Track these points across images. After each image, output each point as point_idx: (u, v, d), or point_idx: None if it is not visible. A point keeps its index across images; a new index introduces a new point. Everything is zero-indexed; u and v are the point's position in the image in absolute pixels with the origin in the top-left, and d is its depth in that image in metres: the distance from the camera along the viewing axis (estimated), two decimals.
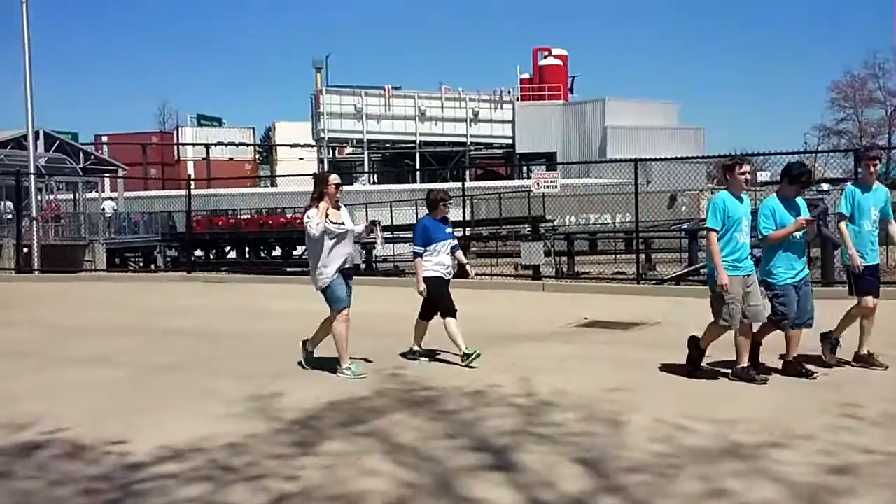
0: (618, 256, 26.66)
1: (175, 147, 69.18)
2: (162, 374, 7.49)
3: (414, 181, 52.34)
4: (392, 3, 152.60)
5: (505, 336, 9.26)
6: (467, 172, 50.93)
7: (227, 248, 37.48)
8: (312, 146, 63.36)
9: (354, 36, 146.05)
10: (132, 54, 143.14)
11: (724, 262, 6.40)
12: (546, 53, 62.13)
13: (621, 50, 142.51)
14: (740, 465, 4.53)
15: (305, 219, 7.07)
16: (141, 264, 34.22)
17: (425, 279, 7.63)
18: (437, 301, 7.65)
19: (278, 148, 73.18)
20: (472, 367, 7.26)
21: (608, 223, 36.91)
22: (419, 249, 7.69)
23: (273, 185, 61.63)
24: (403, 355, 7.93)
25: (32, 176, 23.35)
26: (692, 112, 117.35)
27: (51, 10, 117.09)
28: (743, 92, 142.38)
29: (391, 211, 32.74)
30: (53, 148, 37.36)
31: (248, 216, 38.08)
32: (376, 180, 57.96)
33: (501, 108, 60.09)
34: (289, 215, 36.93)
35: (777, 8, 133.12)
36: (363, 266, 27.42)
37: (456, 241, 8.04)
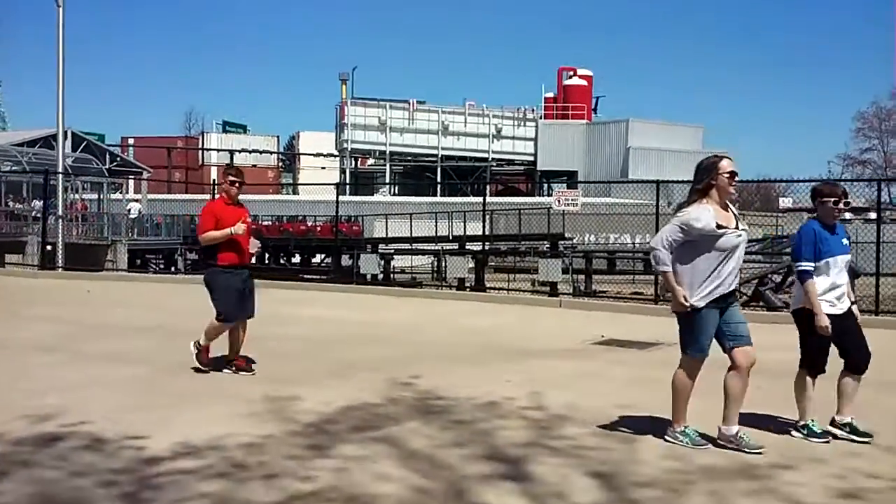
0: (636, 277, 26.59)
1: (200, 152, 69.83)
2: (181, 372, 7.59)
3: (434, 194, 52.52)
4: (419, 18, 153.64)
5: (520, 351, 9.30)
6: (488, 187, 51.03)
7: None
8: (335, 156, 63.81)
9: (381, 49, 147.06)
10: (161, 59, 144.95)
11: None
12: (571, 73, 62.31)
13: (646, 73, 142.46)
14: (752, 484, 4.55)
15: (678, 215, 5.10)
16: (162, 266, 34.54)
17: (817, 319, 5.32)
18: (847, 346, 5.47)
19: (301, 157, 73.72)
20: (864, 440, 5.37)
21: (627, 243, 36.85)
22: (808, 265, 5.37)
23: (295, 192, 62.09)
24: (796, 429, 5.58)
25: (60, 175, 23.70)
26: (716, 136, 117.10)
27: (83, 10, 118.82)
28: (767, 118, 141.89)
29: (411, 223, 32.89)
30: (80, 148, 37.91)
31: (269, 223, 38.37)
32: (397, 192, 58.21)
33: (525, 125, 60.26)
34: (309, 223, 37.22)
35: (804, 34, 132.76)
36: (381, 276, 27.60)
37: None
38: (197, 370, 7.54)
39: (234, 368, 7.61)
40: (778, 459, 5.01)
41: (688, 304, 5.03)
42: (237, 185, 7.42)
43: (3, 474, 4.52)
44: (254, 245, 7.51)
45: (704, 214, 4.97)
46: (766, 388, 7.09)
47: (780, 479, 4.65)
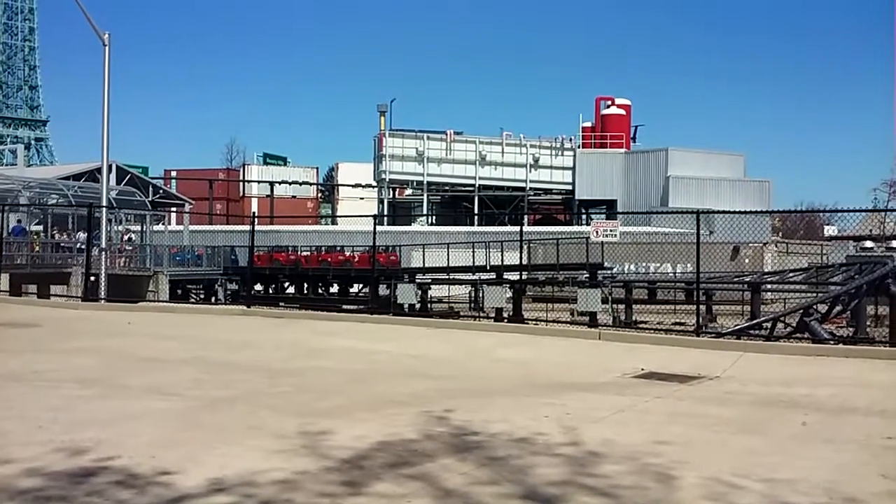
0: (677, 307, 26.21)
1: (241, 184, 70.85)
2: (218, 407, 7.60)
3: (472, 224, 52.57)
4: (457, 50, 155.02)
5: (557, 384, 9.16)
6: (525, 217, 50.91)
7: (287, 284, 38.07)
8: (373, 187, 64.28)
9: (419, 81, 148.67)
10: (205, 94, 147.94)
11: None
12: (609, 103, 62.16)
13: (685, 101, 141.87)
14: None
15: None
16: (202, 296, 34.95)
17: None
18: None
19: (340, 188, 74.41)
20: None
21: (668, 273, 36.41)
22: None
23: (334, 223, 62.63)
24: None
25: (104, 209, 24.16)
26: (758, 163, 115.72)
27: (129, 49, 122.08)
28: (810, 144, 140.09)
29: (448, 253, 32.88)
30: (125, 181, 38.65)
31: (308, 253, 38.67)
32: (434, 222, 58.32)
33: (562, 154, 60.13)
34: (347, 253, 37.42)
35: (851, 60, 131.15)
36: (418, 306, 27.61)
37: None
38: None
39: None
40: (823, 501, 4.83)
41: None
42: None
43: None
44: None
45: None
46: (812, 423, 6.91)
47: None
